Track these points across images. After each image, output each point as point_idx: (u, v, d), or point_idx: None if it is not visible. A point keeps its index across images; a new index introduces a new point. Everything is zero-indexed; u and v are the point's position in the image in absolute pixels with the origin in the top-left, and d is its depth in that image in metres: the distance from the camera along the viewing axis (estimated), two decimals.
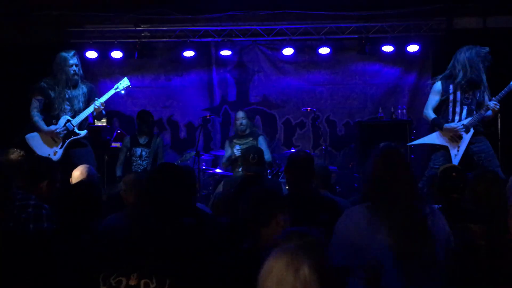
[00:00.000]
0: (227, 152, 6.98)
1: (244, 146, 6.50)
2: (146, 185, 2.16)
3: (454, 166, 4.54)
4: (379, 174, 2.47)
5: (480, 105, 5.52)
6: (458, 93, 5.45)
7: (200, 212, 3.21)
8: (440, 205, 3.69)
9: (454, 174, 3.69)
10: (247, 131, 6.97)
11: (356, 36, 7.93)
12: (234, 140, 6.92)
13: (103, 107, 5.55)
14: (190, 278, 1.90)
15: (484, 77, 5.44)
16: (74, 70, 5.53)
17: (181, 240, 1.96)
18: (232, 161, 6.76)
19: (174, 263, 1.89)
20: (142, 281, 1.88)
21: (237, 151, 6.59)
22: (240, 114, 7.00)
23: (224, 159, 7.00)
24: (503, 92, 5.41)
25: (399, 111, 7.76)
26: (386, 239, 2.33)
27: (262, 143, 6.82)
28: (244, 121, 6.91)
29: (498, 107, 5.40)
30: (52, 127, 5.45)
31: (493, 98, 5.42)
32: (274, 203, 2.54)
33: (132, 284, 1.88)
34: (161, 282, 1.88)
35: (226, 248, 2.50)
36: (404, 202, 2.39)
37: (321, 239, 1.77)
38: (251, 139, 6.86)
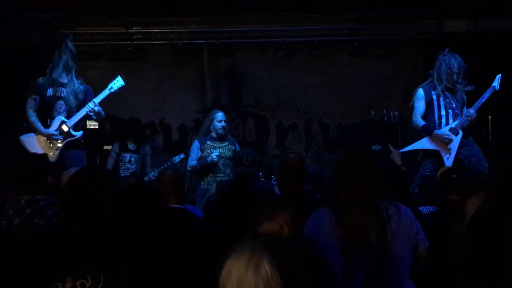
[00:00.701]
0: (195, 154, 6.19)
1: (223, 151, 6.06)
2: (68, 186, 2.22)
3: (453, 168, 4.57)
4: (338, 177, 2.59)
5: (462, 109, 5.58)
6: (441, 98, 5.51)
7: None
8: (434, 207, 3.72)
9: (454, 176, 3.72)
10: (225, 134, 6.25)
11: (348, 38, 7.97)
12: (209, 143, 6.13)
13: (97, 108, 5.51)
14: (125, 272, 1.93)
15: (459, 84, 5.50)
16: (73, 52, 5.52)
17: (108, 237, 1.99)
18: (206, 167, 6.02)
19: (105, 259, 1.93)
20: (78, 282, 1.89)
21: (217, 157, 5.91)
22: (221, 115, 6.21)
23: (193, 162, 6.14)
24: (479, 101, 5.47)
25: (391, 113, 7.79)
26: (341, 235, 2.43)
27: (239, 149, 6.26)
28: (225, 124, 6.20)
29: (475, 115, 5.46)
30: (50, 131, 5.40)
31: (472, 106, 5.47)
32: (281, 201, 2.61)
33: (69, 287, 1.90)
34: (95, 279, 1.90)
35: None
36: (361, 201, 2.47)
37: (277, 238, 1.78)
38: (227, 143, 6.18)
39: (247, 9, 7.77)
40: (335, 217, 2.47)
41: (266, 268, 1.58)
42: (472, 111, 5.44)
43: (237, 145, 6.36)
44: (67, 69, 5.49)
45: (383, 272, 2.39)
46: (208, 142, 6.12)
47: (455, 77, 5.45)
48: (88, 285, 1.88)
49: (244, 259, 1.60)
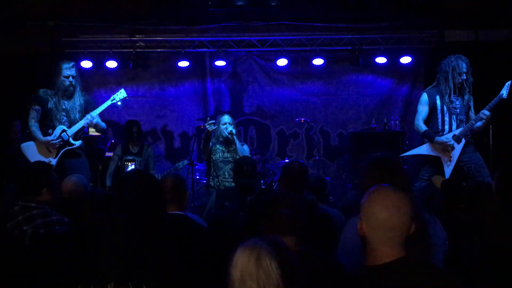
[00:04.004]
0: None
1: (232, 155, 5.85)
2: (115, 192, 2.19)
3: (457, 178, 4.56)
4: (374, 182, 2.42)
5: (468, 114, 5.58)
6: (445, 103, 5.50)
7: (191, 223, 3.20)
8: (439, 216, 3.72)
9: (459, 185, 3.72)
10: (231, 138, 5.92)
11: (350, 48, 8.02)
12: (218, 146, 5.97)
13: (95, 121, 5.52)
14: (166, 282, 1.93)
15: (466, 84, 5.49)
16: (71, 82, 5.53)
17: (154, 246, 1.98)
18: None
19: (148, 268, 1.92)
20: None
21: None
22: (226, 118, 6.00)
23: None
24: (493, 101, 5.43)
25: (392, 122, 7.81)
26: None
27: (247, 150, 6.02)
28: (231, 127, 5.91)
29: (489, 116, 5.42)
30: (48, 138, 5.44)
31: (485, 107, 5.45)
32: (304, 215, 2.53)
33: None
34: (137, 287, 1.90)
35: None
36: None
37: (280, 241, 1.81)
38: (235, 147, 5.92)
39: (250, 18, 7.82)
40: None
41: (266, 260, 1.67)
42: (485, 113, 5.38)
43: (245, 146, 6.06)
44: (66, 93, 5.54)
45: None
46: (218, 146, 5.97)
47: (464, 76, 5.45)
48: None
49: (248, 251, 1.71)
